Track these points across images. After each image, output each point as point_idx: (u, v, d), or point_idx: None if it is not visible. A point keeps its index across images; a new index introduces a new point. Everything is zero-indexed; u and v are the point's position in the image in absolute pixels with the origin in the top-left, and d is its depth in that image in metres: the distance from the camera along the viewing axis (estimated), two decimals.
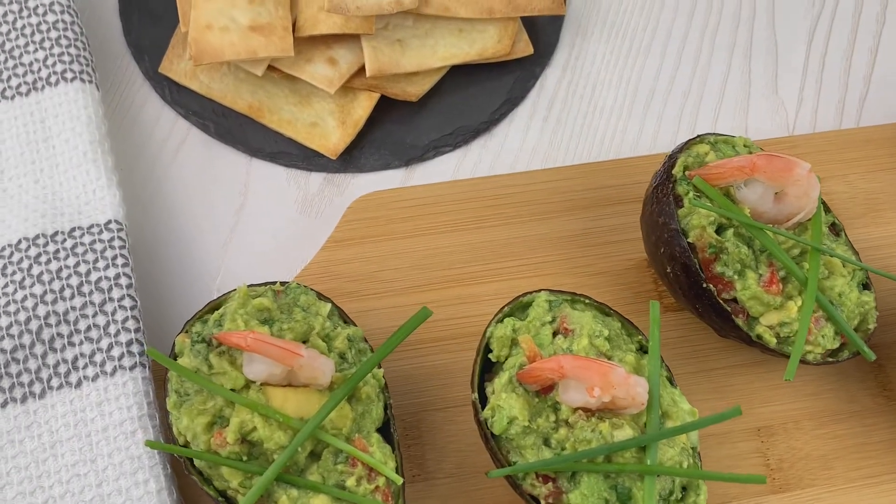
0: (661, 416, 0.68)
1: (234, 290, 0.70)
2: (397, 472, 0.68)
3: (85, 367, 0.71)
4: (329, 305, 0.71)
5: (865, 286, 0.77)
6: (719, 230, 0.74)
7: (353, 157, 0.89)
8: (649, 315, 0.70)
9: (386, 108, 0.91)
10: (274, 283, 0.72)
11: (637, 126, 0.93)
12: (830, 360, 0.74)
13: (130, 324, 0.73)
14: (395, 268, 0.82)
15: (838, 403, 0.79)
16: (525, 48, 0.93)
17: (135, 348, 0.72)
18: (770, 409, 0.78)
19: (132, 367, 0.71)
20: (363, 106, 0.89)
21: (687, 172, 0.75)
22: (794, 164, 0.73)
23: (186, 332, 0.69)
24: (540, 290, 0.72)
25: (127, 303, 0.73)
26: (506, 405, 0.68)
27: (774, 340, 0.73)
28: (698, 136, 0.78)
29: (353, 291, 0.81)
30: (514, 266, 0.83)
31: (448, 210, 0.85)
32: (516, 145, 0.91)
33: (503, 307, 0.72)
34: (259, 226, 0.86)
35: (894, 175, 0.88)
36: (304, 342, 0.68)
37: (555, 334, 0.70)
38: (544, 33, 0.95)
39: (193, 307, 0.81)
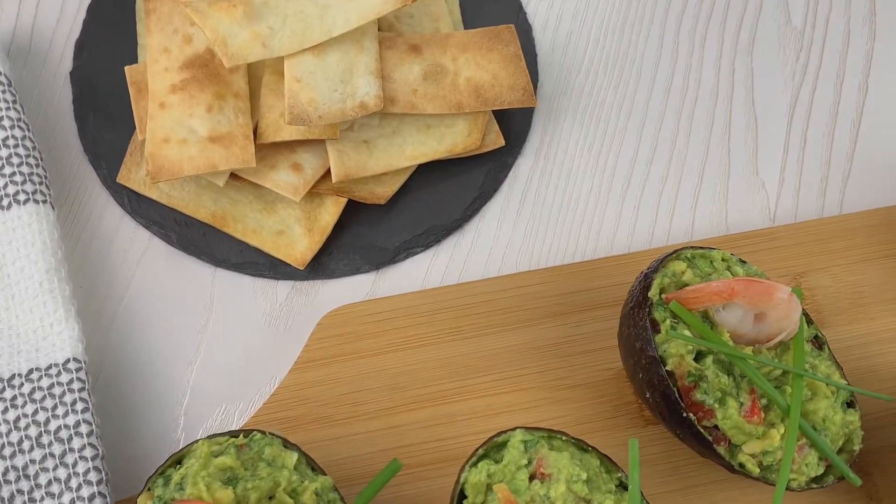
0: None
1: (197, 444, 0.68)
2: None
3: None
4: (296, 455, 0.68)
5: (850, 403, 0.74)
6: (698, 356, 0.72)
7: (321, 264, 0.86)
8: (628, 453, 0.68)
9: (354, 210, 0.88)
10: (237, 433, 0.69)
11: (614, 215, 0.90)
12: (815, 485, 0.72)
13: (92, 475, 0.70)
14: (366, 388, 0.80)
15: None
16: (496, 140, 0.90)
17: (97, 503, 0.69)
18: None
19: None
20: (330, 211, 0.86)
21: (663, 296, 0.73)
22: (773, 288, 0.70)
23: (149, 490, 0.67)
24: (515, 429, 0.70)
25: (88, 452, 0.71)
26: None
27: (757, 469, 0.71)
28: (675, 251, 0.76)
29: (323, 417, 0.78)
30: (491, 381, 0.81)
31: (420, 322, 0.82)
32: (489, 242, 0.89)
33: (477, 449, 0.70)
34: (226, 341, 0.84)
35: (878, 265, 0.86)
36: (270, 498, 0.66)
37: (531, 478, 0.68)
38: (515, 121, 0.92)
39: (160, 438, 0.79)
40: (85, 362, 0.76)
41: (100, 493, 0.70)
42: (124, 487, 0.76)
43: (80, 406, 0.73)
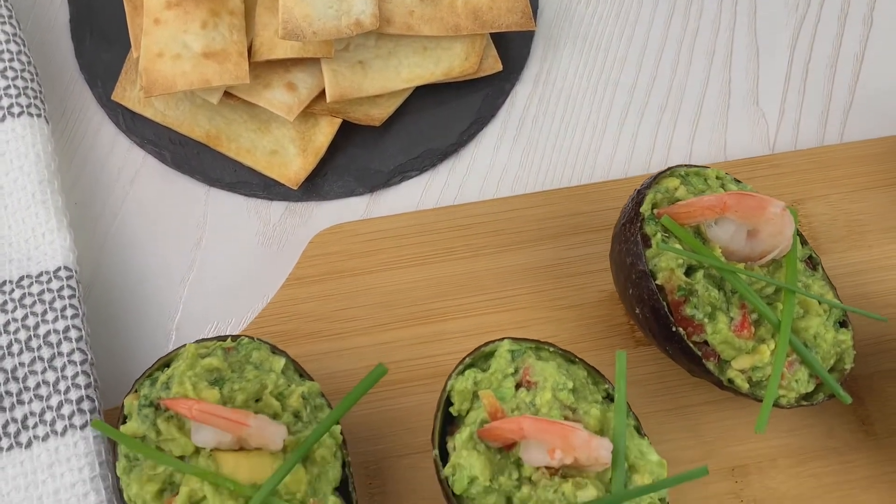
0: (628, 469, 0.66)
1: (185, 347, 0.68)
2: None
3: (35, 426, 0.69)
4: (283, 360, 0.68)
5: (843, 323, 0.74)
6: (689, 271, 0.71)
7: (315, 185, 0.86)
8: (615, 365, 0.67)
9: (349, 132, 0.87)
10: (225, 338, 0.69)
11: (611, 144, 0.89)
12: (805, 403, 0.72)
13: (81, 379, 0.71)
14: (357, 306, 0.80)
15: (816, 440, 0.77)
16: (494, 64, 0.89)
17: (85, 405, 0.70)
18: (744, 448, 0.76)
19: (83, 426, 0.69)
20: (325, 132, 0.85)
21: (655, 211, 0.72)
22: (766, 202, 0.70)
23: (135, 391, 0.67)
24: (503, 339, 0.70)
25: (77, 357, 0.71)
26: (466, 464, 0.65)
27: (746, 385, 0.71)
28: (668, 168, 0.75)
29: (314, 332, 0.78)
30: (482, 301, 0.80)
31: (412, 242, 0.82)
32: (485, 168, 0.88)
33: (464, 358, 0.70)
34: (219, 260, 0.84)
35: (879, 194, 0.85)
36: (256, 401, 0.66)
37: (517, 386, 0.68)
38: (514, 46, 0.91)
39: (150, 351, 0.79)
40: (76, 271, 0.76)
41: (88, 396, 0.70)
42: (114, 399, 0.77)
43: (69, 312, 0.73)
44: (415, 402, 0.76)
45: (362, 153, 0.87)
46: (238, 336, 0.69)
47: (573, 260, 0.82)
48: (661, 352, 0.74)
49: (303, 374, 0.70)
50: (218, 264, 0.83)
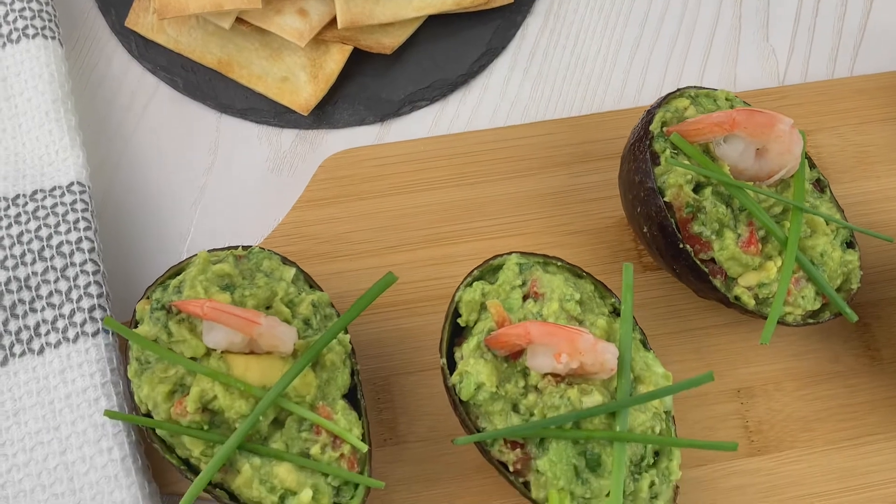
0: (633, 380, 0.67)
1: (196, 255, 0.68)
2: (364, 439, 0.67)
3: (47, 333, 0.70)
4: (293, 270, 0.69)
5: (850, 244, 0.74)
6: (697, 188, 0.71)
7: (325, 113, 0.86)
8: (622, 279, 0.68)
9: (359, 60, 0.88)
10: (236, 247, 0.70)
11: (621, 77, 0.90)
12: (811, 321, 0.72)
13: (93, 289, 0.71)
14: (367, 228, 0.80)
15: (821, 364, 0.77)
16: None
17: (97, 314, 0.71)
18: (750, 370, 0.77)
19: (94, 334, 0.70)
20: (335, 59, 0.86)
21: (665, 129, 0.72)
22: (775, 119, 0.70)
23: (147, 298, 0.68)
24: (511, 253, 0.70)
25: (89, 267, 0.72)
26: (473, 371, 0.66)
27: (753, 302, 0.71)
28: (678, 89, 0.75)
29: (323, 253, 0.79)
30: (491, 225, 0.81)
31: (423, 168, 0.82)
32: (495, 99, 0.88)
33: (472, 270, 0.70)
34: (229, 185, 0.84)
35: (887, 127, 0.85)
36: (266, 308, 0.67)
37: (525, 298, 0.68)
38: None
39: (161, 270, 0.80)
40: (89, 187, 0.76)
41: (100, 305, 0.71)
42: (125, 315, 0.77)
43: (82, 225, 0.73)
44: (424, 321, 0.77)
45: (373, 82, 0.87)
46: (248, 246, 0.70)
47: (582, 187, 0.83)
48: (669, 272, 0.74)
49: (313, 286, 0.71)
50: (228, 190, 0.84)
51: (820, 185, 0.75)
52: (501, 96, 0.89)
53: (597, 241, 0.81)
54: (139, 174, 0.84)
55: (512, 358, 0.67)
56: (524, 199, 0.82)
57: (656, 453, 0.67)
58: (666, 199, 0.71)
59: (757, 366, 0.77)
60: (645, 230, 0.73)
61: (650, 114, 0.74)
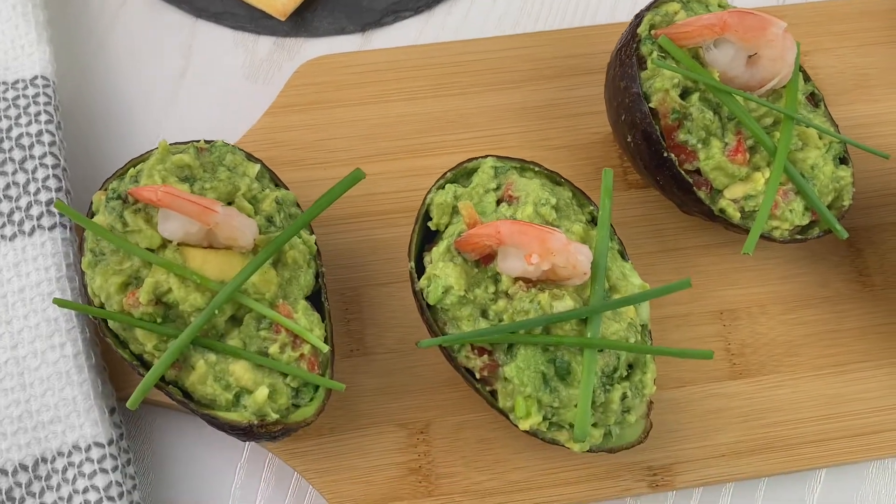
0: (609, 289, 0.64)
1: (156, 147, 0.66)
2: (326, 343, 0.64)
3: (3, 225, 0.67)
4: (258, 166, 0.66)
5: (843, 161, 0.71)
6: (684, 95, 0.68)
7: (304, 20, 0.83)
8: (601, 183, 0.65)
9: None
10: (199, 141, 0.67)
11: None
12: (799, 237, 0.69)
13: (52, 182, 0.69)
14: (342, 137, 0.77)
15: (809, 288, 0.74)
16: None
17: (55, 209, 0.68)
18: (735, 292, 0.74)
19: (51, 228, 0.67)
20: None
21: (653, 31, 0.69)
22: (768, 22, 0.67)
23: (104, 188, 0.65)
24: (487, 156, 0.67)
25: (49, 160, 0.69)
26: (442, 274, 0.63)
27: (738, 215, 0.68)
28: None
29: (296, 160, 0.76)
30: (471, 138, 0.78)
31: (403, 77, 0.79)
32: (483, 11, 0.85)
33: (445, 173, 0.67)
34: (202, 92, 0.81)
35: (888, 49, 0.82)
36: (228, 204, 0.64)
37: (499, 202, 0.66)
38: None
39: None
40: (54, 83, 0.73)
41: (58, 199, 0.68)
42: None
43: (44, 118, 0.71)
44: (398, 233, 0.74)
45: None
46: (212, 141, 0.67)
47: (568, 101, 0.79)
48: (653, 185, 0.71)
49: (279, 185, 0.68)
50: (202, 95, 0.81)
51: (814, 100, 0.72)
52: (490, 8, 0.85)
53: (580, 156, 0.77)
54: (111, 77, 0.81)
55: (483, 262, 0.64)
56: (506, 112, 0.79)
57: (630, 367, 0.64)
58: (651, 105, 0.68)
59: (741, 288, 0.74)
60: (629, 139, 0.70)
61: (639, 17, 0.70)
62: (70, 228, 0.68)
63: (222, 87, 0.81)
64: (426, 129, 0.78)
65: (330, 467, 0.68)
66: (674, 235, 0.75)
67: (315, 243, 0.66)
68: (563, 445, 0.63)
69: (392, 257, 0.74)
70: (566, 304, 0.61)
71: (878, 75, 0.81)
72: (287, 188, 0.68)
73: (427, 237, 0.68)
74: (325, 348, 0.62)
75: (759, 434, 0.70)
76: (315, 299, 0.66)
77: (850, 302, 0.74)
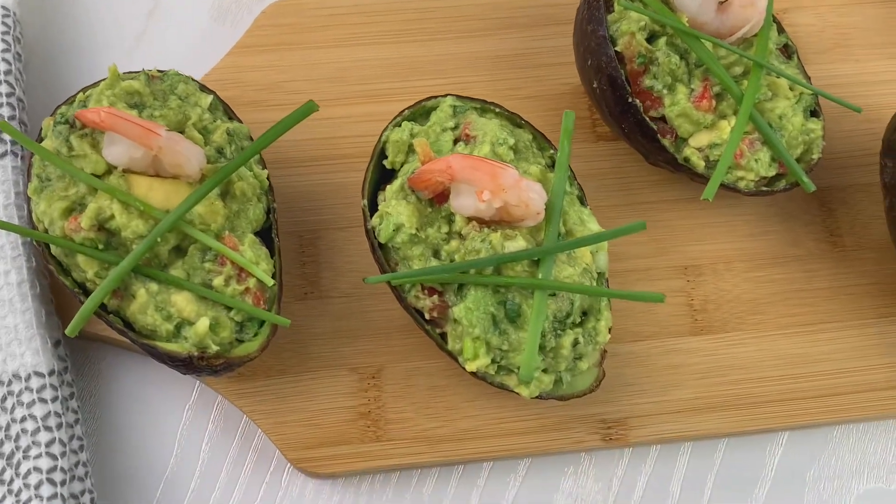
0: (565, 234, 0.62)
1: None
2: (274, 279, 0.62)
3: None
4: (210, 97, 0.65)
5: (814, 114, 0.69)
6: (651, 39, 0.67)
7: None
8: (561, 125, 0.63)
9: None
10: (151, 70, 0.65)
11: None
12: (765, 189, 0.67)
13: (5, 111, 0.68)
14: (305, 79, 0.76)
15: (779, 246, 0.72)
16: None
17: (6, 136, 0.67)
18: (701, 248, 0.72)
19: (2, 155, 0.66)
20: None
21: None
22: None
23: (54, 114, 0.64)
24: (446, 95, 0.66)
25: (3, 89, 0.68)
26: (394, 212, 0.62)
27: (702, 164, 0.66)
28: None
29: (258, 101, 0.75)
30: (437, 85, 0.76)
31: (370, 21, 0.78)
32: None
33: (403, 110, 0.66)
34: (168, 33, 0.80)
35: (870, 9, 0.80)
36: (180, 133, 0.63)
37: (456, 141, 0.64)
38: None
39: None
40: (15, 13, 0.72)
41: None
42: None
43: (0, 46, 0.69)
44: (358, 177, 0.72)
45: None
46: (165, 71, 0.66)
47: (540, 51, 0.78)
48: (619, 133, 0.69)
49: (233, 118, 0.67)
50: (167, 38, 0.80)
51: (787, 52, 0.70)
52: None
53: (548, 107, 0.76)
54: (77, 14, 0.80)
55: (437, 202, 0.63)
56: (475, 60, 0.77)
57: (585, 314, 0.63)
58: (617, 48, 0.66)
59: (708, 244, 0.72)
60: (594, 85, 0.68)
61: None
62: (21, 157, 0.67)
63: (189, 29, 0.80)
64: (391, 75, 0.76)
65: (277, 409, 0.66)
66: (641, 189, 0.74)
67: (267, 178, 0.65)
68: (512, 390, 0.61)
69: (351, 202, 0.72)
70: (518, 244, 0.60)
71: (859, 35, 0.79)
72: (241, 122, 0.66)
73: (384, 177, 0.66)
74: (270, 282, 0.60)
75: (718, 392, 0.68)
76: (266, 236, 0.64)
77: (819, 262, 0.72)
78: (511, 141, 0.63)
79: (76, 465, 0.63)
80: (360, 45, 0.77)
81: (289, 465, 0.67)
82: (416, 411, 0.67)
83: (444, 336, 0.62)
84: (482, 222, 0.61)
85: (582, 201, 0.65)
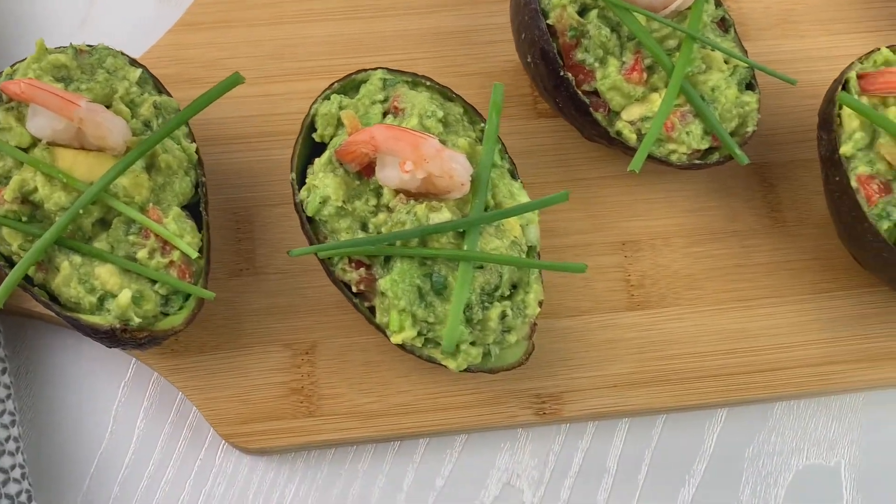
0: (495, 207, 0.62)
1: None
2: (201, 253, 0.62)
3: None
4: (139, 71, 0.65)
5: (750, 87, 0.69)
6: (583, 12, 0.66)
7: None
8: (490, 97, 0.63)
9: None
10: (81, 44, 0.65)
11: None
12: (698, 162, 0.67)
13: None
14: (246, 56, 0.75)
15: (718, 222, 0.72)
16: None
17: None
18: (639, 224, 0.72)
19: None
20: None
21: None
22: None
23: None
24: (377, 68, 0.66)
25: None
26: (321, 185, 0.62)
27: (634, 137, 0.66)
28: None
29: (198, 78, 0.74)
30: (380, 62, 0.76)
31: None
32: None
33: (332, 84, 0.66)
34: (114, 14, 0.80)
35: None
36: (107, 107, 0.63)
37: (385, 115, 0.64)
38: None
39: None
40: None
41: None
42: None
43: None
44: None
45: None
46: (95, 45, 0.66)
47: (484, 28, 0.77)
48: (553, 108, 0.69)
49: (163, 92, 0.66)
50: (111, 20, 0.80)
51: (724, 25, 0.70)
52: None
53: (490, 83, 0.75)
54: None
55: (365, 175, 0.62)
56: (418, 36, 0.77)
57: (514, 287, 0.62)
58: (549, 21, 0.66)
59: (646, 219, 0.72)
60: (529, 59, 0.68)
61: None
62: None
63: (134, 12, 0.80)
64: (335, 52, 0.76)
65: (210, 384, 0.66)
66: (580, 165, 0.73)
67: (196, 152, 0.65)
68: (440, 363, 0.61)
69: (287, 179, 0.72)
70: (443, 215, 0.60)
71: (805, 11, 0.78)
72: (170, 95, 0.66)
73: (317, 151, 0.66)
74: (194, 254, 0.60)
75: (654, 366, 0.68)
76: (196, 210, 0.64)
77: (759, 237, 0.72)
78: (440, 114, 0.63)
79: (6, 439, 0.63)
80: (304, 23, 0.77)
81: (223, 442, 0.67)
82: (349, 387, 0.66)
83: (373, 310, 0.62)
84: (409, 195, 0.61)
85: (513, 175, 0.65)
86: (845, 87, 0.66)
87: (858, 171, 0.63)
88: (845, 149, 0.63)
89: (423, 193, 0.61)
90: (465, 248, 0.59)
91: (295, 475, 0.68)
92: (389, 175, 0.60)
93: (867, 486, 0.68)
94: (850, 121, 0.64)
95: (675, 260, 0.70)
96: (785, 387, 0.68)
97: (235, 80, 0.62)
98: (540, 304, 0.63)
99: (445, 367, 0.61)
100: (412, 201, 0.60)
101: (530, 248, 0.64)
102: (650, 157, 0.66)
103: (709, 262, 0.71)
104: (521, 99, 0.75)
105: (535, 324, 0.63)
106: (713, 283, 0.70)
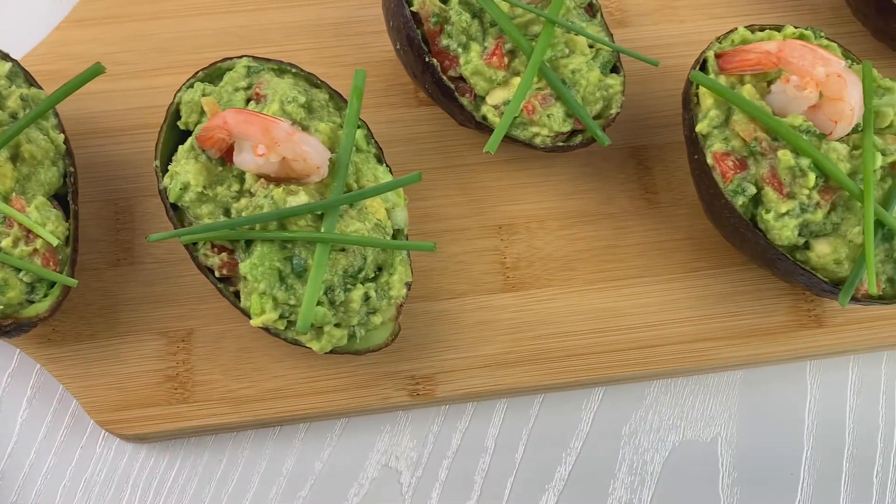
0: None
1: None
2: (67, 243, 0.63)
3: None
4: (9, 65, 0.66)
5: (615, 70, 0.70)
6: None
7: None
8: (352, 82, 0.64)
9: None
10: None
11: None
12: (562, 144, 0.68)
13: None
14: (133, 50, 0.76)
15: (593, 205, 0.73)
16: None
17: None
18: (515, 208, 0.73)
19: None
20: None
21: None
22: None
23: None
24: (242, 56, 0.67)
25: None
26: (181, 171, 0.63)
27: (498, 121, 0.67)
28: None
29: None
30: (263, 54, 0.77)
31: None
32: None
33: (197, 72, 0.67)
34: (5, 9, 0.81)
35: None
36: None
37: (248, 102, 0.65)
38: None
39: None
40: None
41: None
42: None
43: None
44: None
45: None
46: None
47: (366, 19, 0.78)
48: (425, 94, 0.70)
49: (33, 86, 0.67)
50: (1, 16, 0.81)
51: (592, 10, 0.71)
52: None
53: (371, 74, 0.76)
54: None
55: (228, 161, 0.63)
56: (301, 28, 0.78)
57: (381, 269, 0.63)
58: (413, 8, 0.67)
59: (523, 203, 0.73)
60: (398, 46, 0.69)
61: None
62: None
63: (27, 7, 0.81)
64: (219, 44, 0.77)
65: (86, 373, 0.67)
66: (459, 151, 0.74)
67: (65, 143, 0.66)
68: (305, 346, 0.62)
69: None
70: (300, 199, 0.61)
71: None
72: (41, 88, 0.67)
73: (185, 139, 0.67)
74: (55, 241, 0.61)
75: (526, 346, 0.69)
76: (63, 200, 0.65)
77: (633, 219, 0.73)
78: (301, 99, 0.64)
79: None
80: (190, 17, 0.78)
81: (104, 430, 0.68)
82: (222, 373, 0.67)
83: (238, 295, 0.63)
84: (269, 179, 0.62)
85: (380, 160, 0.66)
86: (704, 67, 0.67)
87: (714, 148, 0.64)
88: (701, 126, 0.65)
89: (284, 178, 0.62)
90: (323, 230, 0.60)
91: (175, 461, 0.68)
92: (246, 159, 0.61)
93: (743, 460, 0.70)
94: (705, 99, 0.65)
95: (550, 242, 0.72)
96: (658, 364, 0.69)
97: (96, 70, 0.63)
98: (408, 286, 0.64)
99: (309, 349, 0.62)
100: (272, 186, 0.61)
101: (397, 231, 0.65)
102: (515, 141, 0.67)
103: (582, 243, 0.72)
104: (403, 87, 0.76)
105: (401, 305, 0.64)
106: (586, 264, 0.71)
